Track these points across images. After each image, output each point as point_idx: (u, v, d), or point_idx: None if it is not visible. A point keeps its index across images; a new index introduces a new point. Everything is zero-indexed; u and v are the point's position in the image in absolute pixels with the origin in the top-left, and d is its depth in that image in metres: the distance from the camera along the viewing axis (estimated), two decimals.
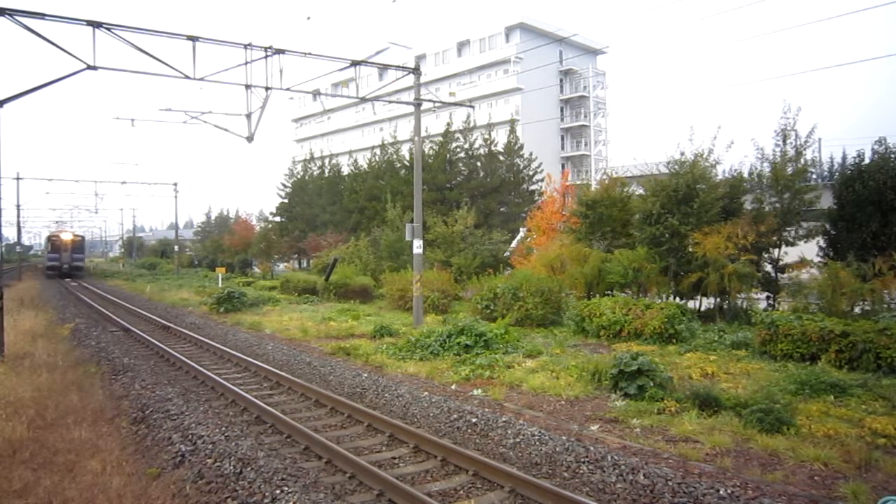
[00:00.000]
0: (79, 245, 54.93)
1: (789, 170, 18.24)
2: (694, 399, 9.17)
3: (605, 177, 26.65)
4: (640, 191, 21.32)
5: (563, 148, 61.85)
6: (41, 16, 12.84)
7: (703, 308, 19.44)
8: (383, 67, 24.86)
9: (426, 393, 10.46)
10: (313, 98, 62.18)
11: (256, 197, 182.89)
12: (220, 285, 30.97)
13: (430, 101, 23.08)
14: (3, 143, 16.31)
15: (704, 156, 19.47)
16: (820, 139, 33.95)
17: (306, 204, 50.28)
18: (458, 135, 40.87)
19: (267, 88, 16.33)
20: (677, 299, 18.91)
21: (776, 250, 18.86)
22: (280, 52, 15.93)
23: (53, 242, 54.02)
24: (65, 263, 52.29)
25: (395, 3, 44.68)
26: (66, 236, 53.94)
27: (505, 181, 39.15)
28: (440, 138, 41.32)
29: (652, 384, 9.91)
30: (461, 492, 6.86)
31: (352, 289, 27.36)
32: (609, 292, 19.46)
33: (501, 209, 38.59)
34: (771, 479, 6.64)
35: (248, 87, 16.40)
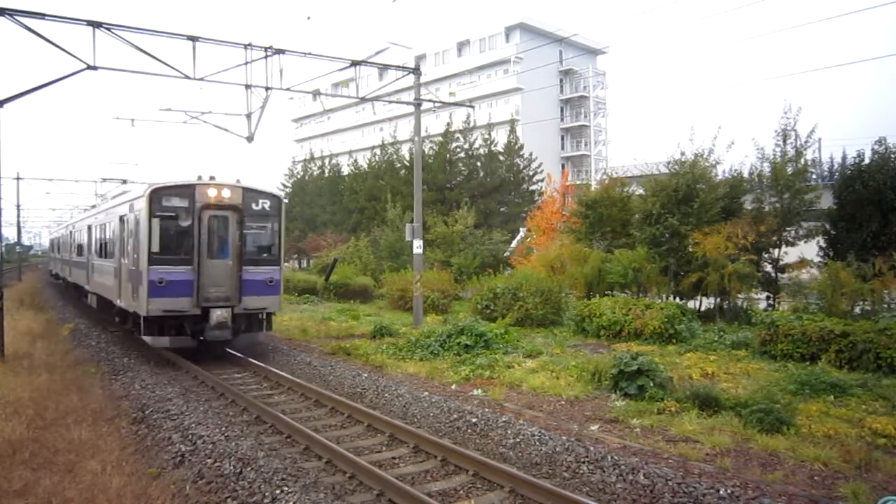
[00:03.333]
0: (266, 229, 14.45)
1: (789, 170, 18.25)
2: (694, 399, 9.17)
3: (605, 177, 26.68)
4: (640, 191, 21.32)
5: (563, 148, 61.83)
6: (41, 16, 12.84)
7: (703, 308, 19.44)
8: (383, 67, 24.87)
9: (426, 393, 10.46)
10: (313, 98, 62.10)
11: None
12: None
13: (430, 101, 23.10)
14: (3, 143, 16.10)
15: (704, 156, 19.50)
16: (820, 139, 33.95)
17: (306, 204, 50.30)
18: (458, 135, 40.86)
19: (267, 88, 16.33)
20: (677, 299, 18.91)
21: (776, 250, 18.87)
22: (280, 52, 15.92)
23: (171, 213, 13.11)
24: (225, 302, 13.19)
25: (395, 2, 44.69)
26: (228, 194, 13.42)
27: (505, 181, 39.14)
28: (440, 138, 41.32)
29: (652, 384, 9.91)
30: (461, 492, 6.85)
31: (352, 289, 27.38)
32: (609, 292, 19.46)
33: (501, 209, 38.58)
34: (771, 479, 6.63)
35: (248, 87, 16.39)
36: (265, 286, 13.84)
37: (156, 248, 12.78)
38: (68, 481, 6.60)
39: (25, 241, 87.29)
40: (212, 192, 13.24)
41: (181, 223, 13.10)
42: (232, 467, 6.97)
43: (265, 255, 14.25)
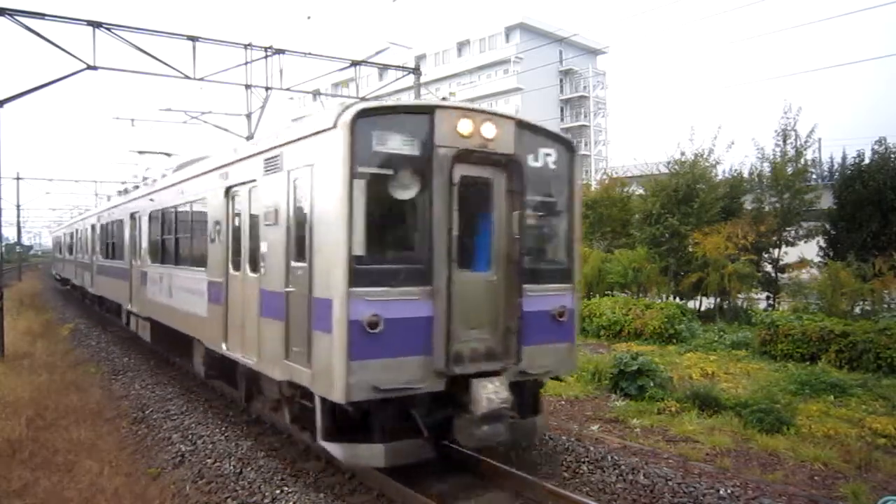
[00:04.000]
0: (554, 207, 7.19)
1: (789, 170, 18.27)
2: (694, 399, 9.18)
3: (605, 177, 26.68)
4: (640, 191, 21.34)
5: None
6: (41, 16, 12.84)
7: (703, 308, 19.45)
8: (383, 67, 24.84)
9: None
10: (313, 98, 62.00)
11: None
12: None
13: None
14: (3, 143, 16.05)
15: (704, 156, 19.52)
16: (820, 139, 33.95)
17: None
18: None
19: (267, 88, 16.33)
20: (677, 299, 18.91)
21: (776, 250, 18.87)
22: (280, 52, 15.91)
23: (387, 170, 5.96)
24: (490, 363, 6.24)
25: (395, 2, 44.66)
26: (493, 131, 6.34)
27: None
28: None
29: (652, 384, 9.92)
30: (461, 492, 6.84)
31: None
32: (609, 292, 19.46)
33: None
34: (771, 479, 6.63)
35: (248, 87, 16.39)
36: (553, 324, 6.85)
37: (360, 247, 5.78)
38: (67, 481, 6.60)
39: (25, 241, 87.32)
40: (464, 126, 6.25)
41: (403, 192, 6.14)
42: (232, 467, 6.98)
43: (551, 260, 7.24)
